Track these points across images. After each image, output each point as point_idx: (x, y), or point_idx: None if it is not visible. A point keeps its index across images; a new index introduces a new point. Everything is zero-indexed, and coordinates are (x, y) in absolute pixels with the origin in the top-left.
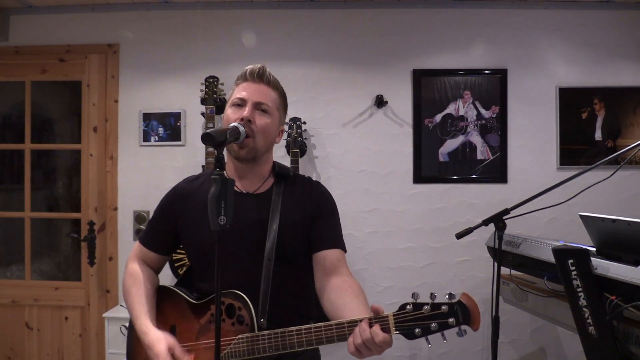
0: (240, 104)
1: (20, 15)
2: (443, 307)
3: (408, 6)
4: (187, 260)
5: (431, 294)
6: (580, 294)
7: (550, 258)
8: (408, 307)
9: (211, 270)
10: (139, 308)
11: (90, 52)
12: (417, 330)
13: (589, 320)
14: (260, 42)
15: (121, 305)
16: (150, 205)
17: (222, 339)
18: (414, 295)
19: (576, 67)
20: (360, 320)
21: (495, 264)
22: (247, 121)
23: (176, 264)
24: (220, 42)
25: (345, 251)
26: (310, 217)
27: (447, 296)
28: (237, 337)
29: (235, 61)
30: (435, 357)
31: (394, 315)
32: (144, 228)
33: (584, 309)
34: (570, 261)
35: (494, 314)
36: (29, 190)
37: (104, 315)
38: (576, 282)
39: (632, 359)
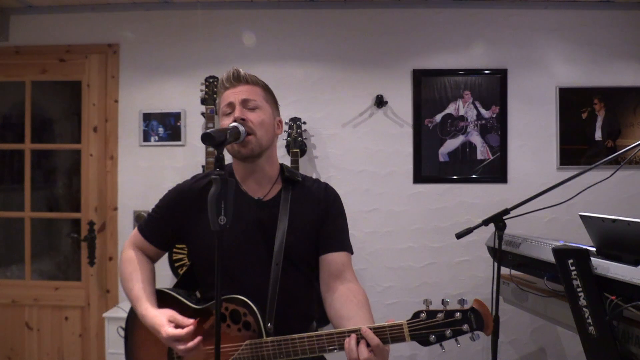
0: (230, 110)
1: (20, 15)
2: (457, 315)
3: (408, 6)
4: (187, 260)
5: (443, 300)
6: (580, 294)
7: (550, 258)
8: (422, 315)
9: (222, 275)
10: (140, 293)
11: (90, 52)
12: (432, 337)
13: (589, 320)
14: (260, 42)
15: (120, 307)
16: (150, 205)
17: (228, 345)
18: (425, 302)
19: (576, 67)
20: (361, 337)
21: (495, 264)
22: (240, 120)
23: (176, 264)
24: (220, 42)
25: (352, 253)
26: (319, 220)
27: (458, 302)
28: (243, 344)
29: (235, 61)
30: (435, 357)
31: (407, 324)
32: (145, 217)
33: (584, 309)
34: (570, 261)
35: (494, 314)
36: (29, 190)
37: (104, 315)
38: (576, 282)
39: (632, 359)
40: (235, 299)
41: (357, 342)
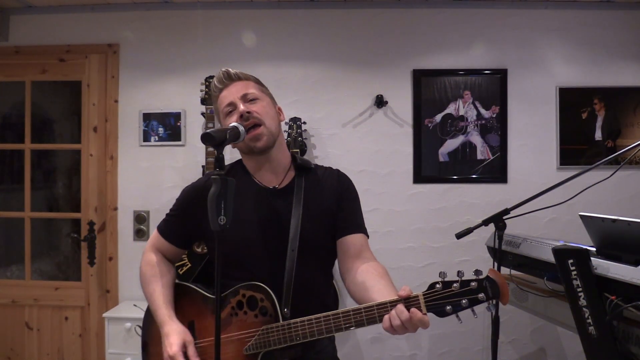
0: (231, 109)
1: (20, 15)
2: (472, 284)
3: (408, 6)
4: (187, 261)
5: (458, 271)
6: (580, 294)
7: (550, 258)
8: (437, 285)
9: (238, 264)
10: (160, 298)
11: (90, 52)
12: (448, 307)
13: (589, 320)
14: (260, 42)
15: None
16: (150, 205)
17: (245, 331)
18: (441, 274)
19: (576, 67)
20: (392, 304)
21: (495, 264)
22: (247, 114)
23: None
24: (220, 42)
25: (368, 236)
26: (333, 206)
27: (474, 273)
28: (260, 329)
29: (235, 61)
30: (435, 357)
31: (424, 295)
32: (164, 217)
33: (584, 309)
34: (570, 261)
35: (494, 314)
36: (29, 190)
37: (104, 315)
38: (576, 282)
39: (632, 359)
40: (252, 285)
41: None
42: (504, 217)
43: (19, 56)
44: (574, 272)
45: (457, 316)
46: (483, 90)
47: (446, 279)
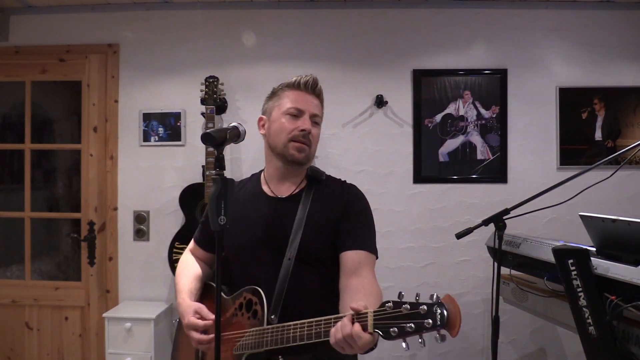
0: (297, 114)
1: (20, 15)
2: (421, 307)
3: (408, 6)
4: None
5: (416, 294)
6: (580, 294)
7: (550, 258)
8: (388, 304)
9: (242, 267)
10: (181, 287)
11: (90, 52)
12: (392, 330)
13: (589, 320)
14: (260, 42)
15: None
16: (150, 205)
17: (238, 331)
18: (400, 295)
19: (576, 67)
20: (345, 316)
21: (495, 264)
22: (308, 134)
23: (176, 264)
24: (220, 42)
25: (376, 255)
26: (339, 218)
27: (430, 297)
28: (248, 331)
29: (235, 61)
30: (435, 357)
31: (374, 313)
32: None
33: (584, 309)
34: (570, 261)
35: (494, 314)
36: (29, 190)
37: (104, 315)
38: (576, 282)
39: (632, 359)
40: (252, 289)
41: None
42: (504, 217)
43: (19, 56)
44: (574, 272)
45: (405, 341)
46: (483, 90)
47: (402, 300)
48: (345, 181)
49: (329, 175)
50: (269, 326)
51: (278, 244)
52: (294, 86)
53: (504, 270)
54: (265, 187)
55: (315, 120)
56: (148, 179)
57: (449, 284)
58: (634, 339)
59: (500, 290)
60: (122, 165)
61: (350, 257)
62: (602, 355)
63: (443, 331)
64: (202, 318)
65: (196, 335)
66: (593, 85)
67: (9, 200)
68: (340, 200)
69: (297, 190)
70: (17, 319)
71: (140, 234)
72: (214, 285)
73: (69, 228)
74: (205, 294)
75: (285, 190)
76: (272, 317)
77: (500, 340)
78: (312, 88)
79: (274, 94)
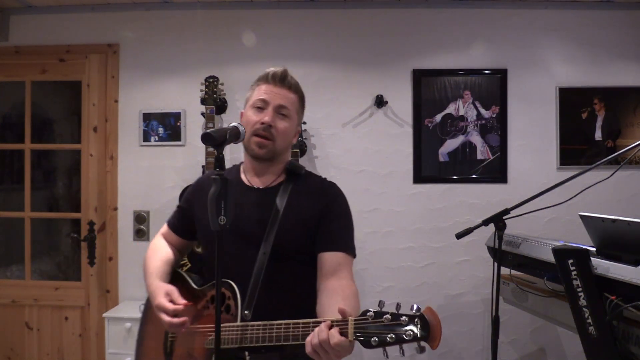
0: (262, 106)
1: (20, 15)
2: (402, 319)
3: (408, 6)
4: (187, 261)
5: (397, 304)
6: (580, 294)
7: (550, 258)
8: (369, 313)
9: (212, 259)
10: (151, 270)
11: (90, 52)
12: (373, 339)
13: (589, 320)
14: (260, 42)
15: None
16: (150, 205)
17: (209, 326)
18: (380, 303)
19: (576, 67)
20: (324, 321)
21: (495, 264)
22: (268, 127)
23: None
24: (220, 42)
25: (354, 255)
26: (317, 216)
27: (411, 308)
28: (226, 325)
29: (235, 61)
30: (435, 357)
31: (354, 321)
32: (173, 211)
33: (584, 309)
34: (570, 261)
35: (494, 314)
36: (29, 190)
37: (104, 315)
38: (576, 282)
39: (632, 359)
40: (225, 282)
41: (330, 327)
42: (504, 217)
43: (19, 56)
44: (574, 272)
45: (384, 350)
46: (483, 90)
47: (383, 309)
48: (325, 179)
49: (309, 171)
50: (253, 323)
51: (253, 236)
52: (263, 79)
53: (504, 270)
54: (243, 177)
55: (283, 112)
56: (148, 179)
57: (449, 284)
58: (634, 339)
59: (500, 290)
60: (122, 165)
61: (329, 259)
62: (602, 355)
63: (423, 343)
64: (172, 301)
65: (167, 318)
66: (593, 85)
67: (9, 200)
68: (319, 199)
69: (274, 184)
70: (17, 319)
71: (140, 234)
72: (185, 275)
73: (69, 228)
74: (173, 281)
75: (261, 183)
76: (246, 312)
77: (500, 340)
78: (280, 80)
79: (250, 88)
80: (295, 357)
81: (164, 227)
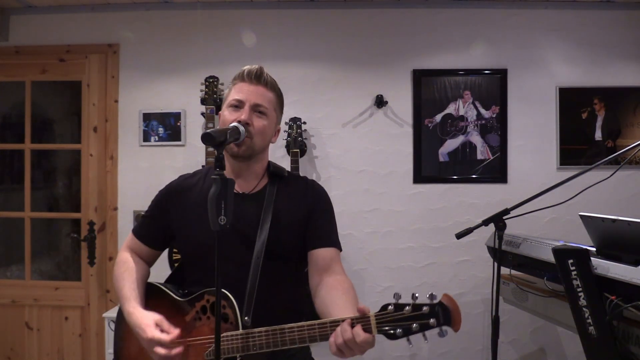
0: (238, 105)
1: (20, 15)
2: (424, 308)
3: (408, 6)
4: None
5: (413, 294)
6: (580, 294)
7: (550, 258)
8: (390, 307)
9: (205, 267)
10: (129, 293)
11: (90, 52)
12: (398, 331)
13: (589, 320)
14: (260, 42)
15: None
16: None
17: (205, 337)
18: (395, 295)
19: (576, 67)
20: (343, 320)
21: (495, 264)
22: (244, 124)
23: (176, 264)
24: (220, 42)
25: (340, 250)
26: (305, 215)
27: (428, 297)
28: (226, 335)
29: (235, 61)
30: (435, 357)
31: (375, 316)
32: (139, 221)
33: (584, 309)
34: (570, 261)
35: (494, 314)
36: (29, 190)
37: (104, 315)
38: (576, 282)
39: (632, 359)
40: (215, 290)
41: (352, 326)
42: (504, 217)
43: (19, 56)
44: (574, 272)
45: (408, 339)
46: (483, 90)
47: (400, 301)
48: (307, 177)
49: (291, 172)
50: (255, 329)
51: (245, 242)
52: (239, 77)
53: (504, 270)
54: None
55: (260, 110)
56: (148, 179)
57: (449, 284)
58: (634, 339)
59: (500, 290)
60: (122, 165)
61: (322, 255)
62: (602, 355)
63: (445, 328)
64: (164, 331)
65: (162, 351)
66: (593, 85)
67: (9, 200)
68: (305, 199)
69: (259, 188)
70: (17, 319)
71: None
72: (161, 287)
73: (69, 228)
74: (150, 295)
75: (246, 186)
76: (246, 318)
77: (500, 340)
78: (256, 77)
79: (228, 88)
80: (290, 357)
81: (130, 239)
